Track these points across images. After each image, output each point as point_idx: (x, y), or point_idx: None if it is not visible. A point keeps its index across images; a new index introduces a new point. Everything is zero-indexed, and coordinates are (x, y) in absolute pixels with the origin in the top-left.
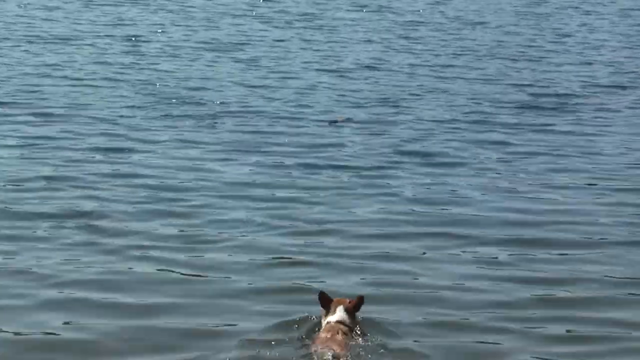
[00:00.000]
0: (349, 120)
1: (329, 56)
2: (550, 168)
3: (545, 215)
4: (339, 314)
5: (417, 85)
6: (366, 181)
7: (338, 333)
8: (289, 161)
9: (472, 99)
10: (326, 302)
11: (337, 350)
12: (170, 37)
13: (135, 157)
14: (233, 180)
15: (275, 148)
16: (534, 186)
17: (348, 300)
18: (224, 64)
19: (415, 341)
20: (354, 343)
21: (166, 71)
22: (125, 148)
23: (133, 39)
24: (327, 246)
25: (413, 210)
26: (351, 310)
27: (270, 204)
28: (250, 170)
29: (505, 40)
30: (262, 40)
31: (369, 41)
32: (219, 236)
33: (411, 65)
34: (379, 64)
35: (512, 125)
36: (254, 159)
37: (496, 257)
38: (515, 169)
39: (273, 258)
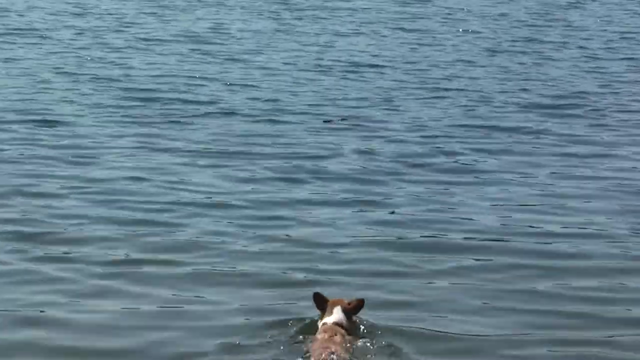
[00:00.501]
0: (344, 120)
1: (323, 50)
2: (562, 174)
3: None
4: (336, 315)
5: (418, 83)
6: (361, 190)
7: (336, 334)
8: (274, 169)
9: (478, 99)
10: (322, 303)
11: (335, 350)
12: (140, 29)
13: (96, 164)
14: (210, 191)
15: (258, 154)
16: (547, 197)
17: (347, 302)
18: (198, 58)
19: (417, 346)
20: (353, 345)
21: (133, 67)
22: (85, 155)
23: (96, 30)
24: (319, 268)
25: (409, 231)
26: (349, 312)
27: (253, 220)
28: (229, 178)
29: (513, 33)
30: (242, 32)
31: (362, 33)
32: (196, 253)
33: (410, 62)
34: (375, 59)
35: (522, 129)
36: (233, 166)
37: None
38: (528, 178)
39: (258, 278)
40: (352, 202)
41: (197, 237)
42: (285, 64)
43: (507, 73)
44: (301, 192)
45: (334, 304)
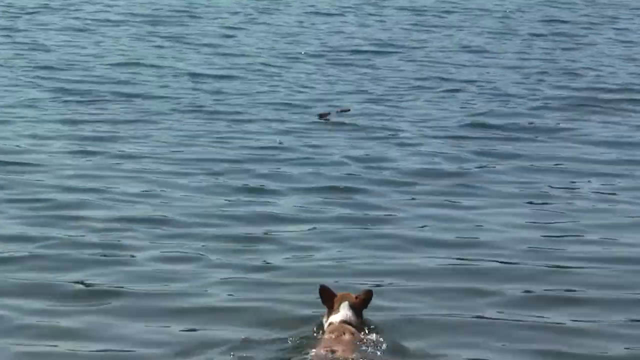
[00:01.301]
0: (345, 112)
1: (306, 32)
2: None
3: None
4: (343, 312)
5: (426, 73)
6: (357, 203)
7: (344, 334)
8: (248, 178)
9: (493, 93)
10: (328, 297)
11: (344, 352)
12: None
13: (26, 172)
14: (166, 204)
15: (228, 160)
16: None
17: (354, 296)
18: (156, 42)
19: (432, 343)
20: (363, 345)
21: (74, 53)
22: (11, 162)
23: (28, 8)
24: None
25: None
26: (358, 307)
27: (224, 241)
28: (192, 189)
29: (535, 18)
30: (210, 10)
31: (351, 12)
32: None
33: (414, 47)
34: (375, 46)
35: (546, 130)
36: (197, 174)
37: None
38: (551, 190)
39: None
40: (346, 218)
41: (150, 265)
42: (260, 50)
43: (526, 60)
44: (282, 207)
45: (341, 299)
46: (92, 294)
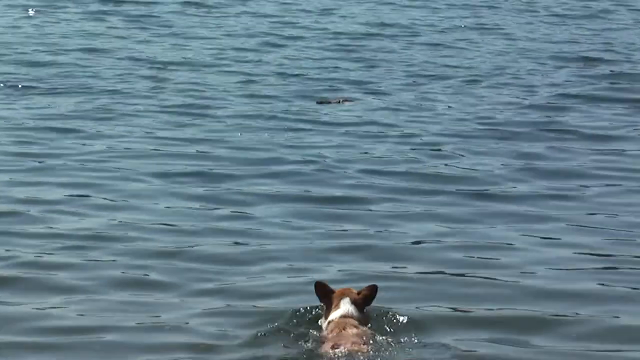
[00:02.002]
0: (348, 102)
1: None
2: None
3: None
4: (344, 307)
5: (437, 58)
6: (356, 218)
7: (346, 327)
8: (217, 189)
9: (520, 85)
10: (326, 294)
11: (350, 344)
12: None
13: None
14: (112, 224)
15: (190, 166)
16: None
17: (356, 292)
18: (109, 23)
19: (443, 337)
20: (369, 337)
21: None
22: None
23: None
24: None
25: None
26: (360, 304)
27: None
28: (148, 200)
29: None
30: None
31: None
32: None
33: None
34: (377, 27)
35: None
36: (154, 182)
37: None
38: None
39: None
40: (339, 247)
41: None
42: (230, 34)
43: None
44: (261, 225)
45: (341, 295)
46: None
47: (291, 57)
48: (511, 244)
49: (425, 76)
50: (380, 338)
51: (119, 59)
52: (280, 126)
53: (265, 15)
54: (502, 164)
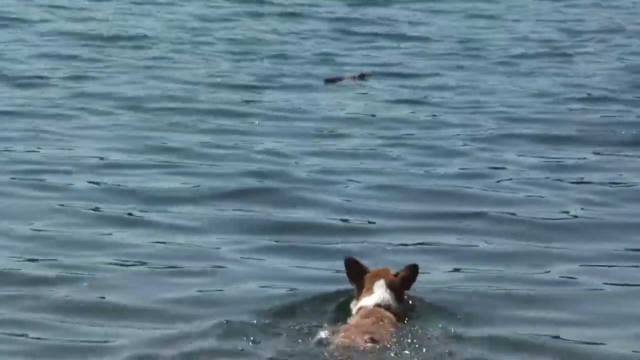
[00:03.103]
0: (363, 78)
1: None
2: None
3: None
4: (378, 293)
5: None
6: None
7: (383, 320)
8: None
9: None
10: (357, 273)
11: (381, 343)
12: None
13: None
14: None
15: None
16: None
17: (393, 273)
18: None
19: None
20: (406, 338)
21: None
22: None
23: None
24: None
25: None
26: (398, 288)
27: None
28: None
29: None
30: None
31: None
32: None
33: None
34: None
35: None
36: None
37: None
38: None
39: None
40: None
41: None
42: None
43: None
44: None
45: (375, 277)
46: None
47: None
48: None
49: None
50: (419, 335)
51: None
52: None
53: None
54: None
